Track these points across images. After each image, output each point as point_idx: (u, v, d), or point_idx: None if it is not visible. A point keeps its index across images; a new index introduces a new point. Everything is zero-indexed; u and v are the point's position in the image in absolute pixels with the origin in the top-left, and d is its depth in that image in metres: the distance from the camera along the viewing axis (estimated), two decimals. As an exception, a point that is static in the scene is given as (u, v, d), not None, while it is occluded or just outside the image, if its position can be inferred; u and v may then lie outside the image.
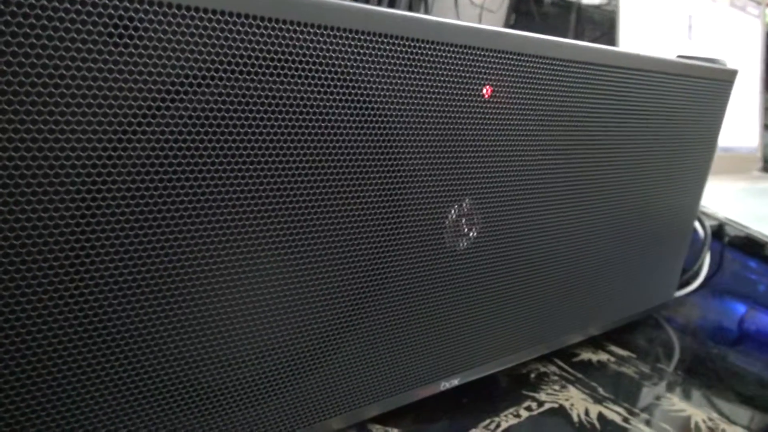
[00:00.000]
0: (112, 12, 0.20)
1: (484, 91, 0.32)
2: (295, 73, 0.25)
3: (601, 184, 0.42)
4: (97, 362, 0.24)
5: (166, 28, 0.21)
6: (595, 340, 0.50)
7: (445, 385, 0.37)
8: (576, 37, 1.22)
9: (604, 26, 1.19)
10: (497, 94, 0.33)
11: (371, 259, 0.31)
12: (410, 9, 1.09)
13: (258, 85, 0.24)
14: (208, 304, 0.26)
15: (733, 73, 0.50)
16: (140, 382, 0.25)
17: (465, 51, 0.30)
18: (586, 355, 0.48)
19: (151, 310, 0.24)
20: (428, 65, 0.29)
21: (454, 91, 0.31)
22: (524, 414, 0.38)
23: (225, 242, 0.26)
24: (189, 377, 0.27)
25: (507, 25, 1.32)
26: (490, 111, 0.33)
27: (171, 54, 0.22)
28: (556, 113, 0.36)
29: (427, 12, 1.11)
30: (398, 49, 0.28)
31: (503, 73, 0.32)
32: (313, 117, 0.26)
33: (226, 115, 0.24)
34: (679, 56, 0.50)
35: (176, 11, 0.21)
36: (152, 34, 0.21)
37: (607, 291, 0.47)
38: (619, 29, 0.69)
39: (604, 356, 0.48)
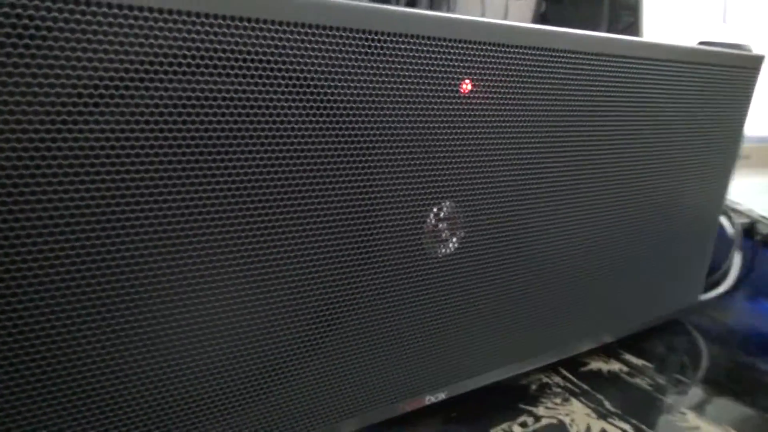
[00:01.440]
0: (9, 11, 0.19)
1: (463, 85, 0.30)
2: (243, 72, 0.23)
3: (611, 180, 0.39)
4: (53, 374, 0.22)
5: (83, 27, 0.20)
6: (608, 348, 0.47)
7: (431, 398, 0.35)
8: (609, 24, 1.17)
9: (639, 12, 1.13)
10: (478, 89, 0.30)
11: (344, 266, 0.29)
12: (431, 5, 1.06)
13: (205, 86, 0.23)
14: (165, 312, 0.25)
15: (759, 59, 0.45)
16: (97, 396, 0.24)
17: (436, 44, 0.28)
18: (596, 364, 0.45)
19: (99, 317, 0.23)
20: (394, 60, 0.27)
21: (427, 87, 0.28)
22: (517, 430, 0.36)
23: (182, 251, 0.24)
24: (150, 390, 0.25)
25: (537, 13, 1.27)
26: (470, 107, 0.30)
27: (91, 55, 0.20)
28: (553, 108, 0.34)
29: (449, 6, 1.07)
30: (360, 44, 0.26)
31: (484, 66, 0.30)
32: (267, 118, 0.25)
33: (159, 118, 0.22)
34: (700, 43, 0.46)
35: (104, 9, 0.20)
36: (66, 35, 0.20)
37: (620, 295, 0.44)
38: (643, 14, 0.65)
39: (616, 366, 0.45)
